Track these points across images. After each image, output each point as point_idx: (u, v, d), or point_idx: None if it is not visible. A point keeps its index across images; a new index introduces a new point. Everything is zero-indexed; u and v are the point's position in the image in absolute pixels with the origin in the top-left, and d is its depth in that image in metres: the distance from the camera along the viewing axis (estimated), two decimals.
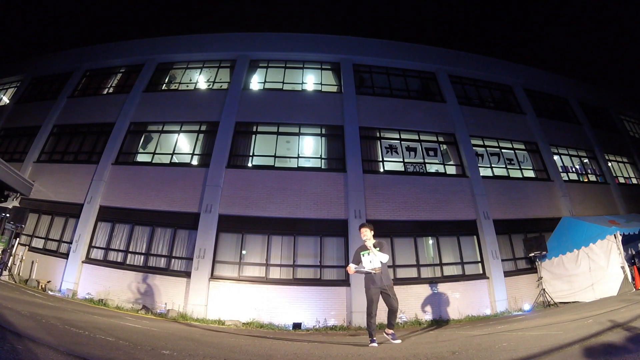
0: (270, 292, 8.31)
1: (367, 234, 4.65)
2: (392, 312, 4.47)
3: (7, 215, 9.19)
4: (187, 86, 12.60)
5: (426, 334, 5.94)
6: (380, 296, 4.49)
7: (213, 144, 10.35)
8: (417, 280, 8.78)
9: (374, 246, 4.56)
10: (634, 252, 8.82)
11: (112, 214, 9.75)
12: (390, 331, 4.57)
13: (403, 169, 10.65)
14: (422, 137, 11.35)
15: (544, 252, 8.82)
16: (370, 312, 4.37)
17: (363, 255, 4.61)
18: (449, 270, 9.14)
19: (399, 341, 4.47)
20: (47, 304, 5.85)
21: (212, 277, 8.44)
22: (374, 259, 4.50)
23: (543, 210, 10.68)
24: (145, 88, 12.23)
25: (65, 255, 9.28)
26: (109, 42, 14.23)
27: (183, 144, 11.33)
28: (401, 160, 10.79)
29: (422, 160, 10.92)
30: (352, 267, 4.55)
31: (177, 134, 11.19)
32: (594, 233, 7.92)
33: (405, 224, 9.51)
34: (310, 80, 12.65)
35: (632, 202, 12.17)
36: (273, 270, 8.66)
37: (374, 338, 4.31)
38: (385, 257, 4.49)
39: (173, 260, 8.94)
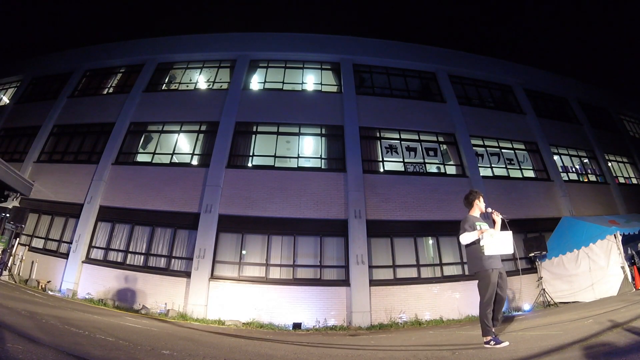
0: (270, 292, 8.30)
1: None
2: (502, 305, 3.59)
3: (7, 215, 9.20)
4: (187, 86, 12.60)
5: (426, 333, 5.94)
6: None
7: (213, 144, 10.35)
8: (417, 280, 8.77)
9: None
10: (634, 252, 8.80)
11: (112, 214, 9.75)
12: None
13: (403, 169, 10.65)
14: (422, 137, 11.35)
15: (544, 252, 8.82)
16: (490, 302, 3.44)
17: (480, 226, 3.80)
18: (449, 270, 9.13)
19: (506, 343, 3.25)
20: (47, 304, 5.85)
21: (212, 277, 8.44)
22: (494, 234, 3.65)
23: (543, 210, 10.67)
24: (145, 88, 12.23)
25: (65, 255, 9.28)
26: (109, 42, 14.25)
27: (183, 144, 11.33)
28: (401, 160, 10.78)
29: (422, 160, 10.91)
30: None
31: (177, 134, 11.19)
32: (594, 233, 7.90)
33: (405, 224, 9.51)
34: (310, 80, 12.64)
35: (632, 202, 12.16)
36: (273, 270, 8.65)
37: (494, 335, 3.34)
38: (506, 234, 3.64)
39: (173, 260, 8.94)
